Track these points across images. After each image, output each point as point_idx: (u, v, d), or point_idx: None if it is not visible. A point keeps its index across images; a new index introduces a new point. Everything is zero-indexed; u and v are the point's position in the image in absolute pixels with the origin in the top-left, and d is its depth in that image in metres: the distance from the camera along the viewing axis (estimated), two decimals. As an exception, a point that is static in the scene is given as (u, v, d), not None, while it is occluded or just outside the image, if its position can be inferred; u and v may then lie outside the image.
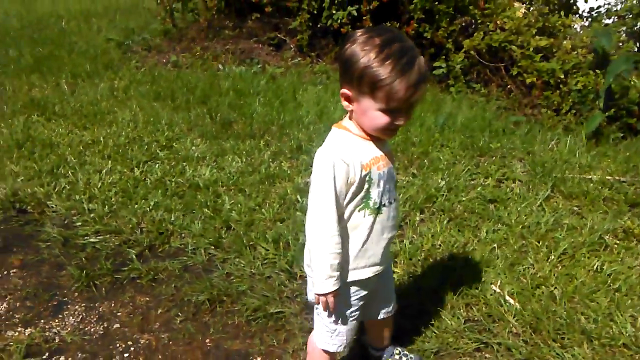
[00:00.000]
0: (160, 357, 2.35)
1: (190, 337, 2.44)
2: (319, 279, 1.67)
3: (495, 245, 2.89)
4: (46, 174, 3.69)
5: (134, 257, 2.91)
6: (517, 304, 2.48)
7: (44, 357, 2.33)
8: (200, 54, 6.19)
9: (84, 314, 2.58)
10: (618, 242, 2.94)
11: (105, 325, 2.52)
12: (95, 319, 2.55)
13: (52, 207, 3.38)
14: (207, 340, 2.43)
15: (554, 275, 2.67)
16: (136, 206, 3.32)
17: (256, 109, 4.70)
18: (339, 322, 1.83)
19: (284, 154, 3.94)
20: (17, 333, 2.45)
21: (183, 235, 3.09)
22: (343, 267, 1.70)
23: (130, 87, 5.32)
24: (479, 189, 3.42)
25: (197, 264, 2.89)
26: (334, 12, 5.84)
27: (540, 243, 2.91)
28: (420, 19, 5.41)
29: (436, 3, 5.31)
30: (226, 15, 6.54)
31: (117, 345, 2.41)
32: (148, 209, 3.29)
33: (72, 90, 5.30)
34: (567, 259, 2.80)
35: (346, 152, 1.61)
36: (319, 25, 6.07)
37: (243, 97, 4.96)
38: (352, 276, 1.75)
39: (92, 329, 2.49)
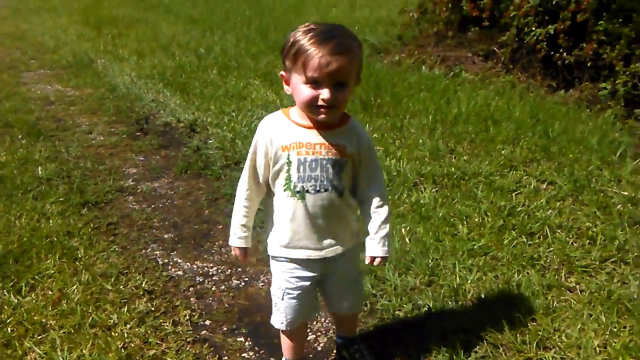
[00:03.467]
0: (165, 200, 3.63)
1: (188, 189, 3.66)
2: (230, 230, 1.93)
3: (445, 210, 3.34)
4: (222, 112, 5.28)
5: (218, 164, 4.22)
6: (408, 244, 3.00)
7: (124, 194, 3.82)
8: (417, 57, 7.16)
9: (165, 182, 4.02)
10: (570, 239, 3.05)
11: (165, 186, 3.91)
12: (165, 184, 3.97)
13: (208, 130, 4.93)
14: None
15: (469, 238, 3.05)
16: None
17: (387, 95, 5.55)
18: (277, 295, 1.95)
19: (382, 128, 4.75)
20: (123, 182, 4.00)
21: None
22: (273, 241, 1.88)
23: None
24: (497, 177, 3.75)
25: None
26: (533, 29, 6.15)
27: (491, 220, 3.23)
28: (601, 40, 5.38)
29: (617, 25, 5.23)
30: (452, 26, 7.34)
31: (160, 194, 3.78)
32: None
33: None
34: (496, 234, 3.09)
35: (270, 130, 1.77)
36: (525, 41, 6.42)
37: (405, 89, 5.80)
38: (281, 252, 1.86)
39: (158, 189, 3.91)
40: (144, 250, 3.10)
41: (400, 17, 8.23)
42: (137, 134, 4.98)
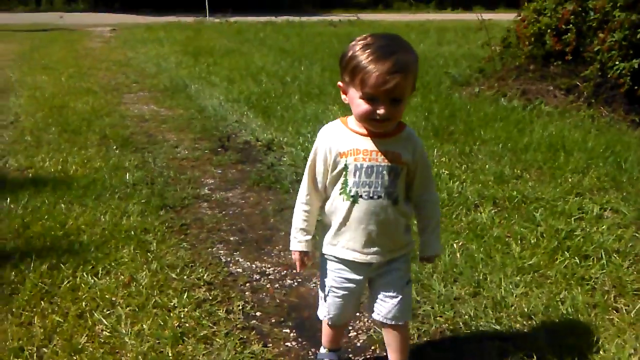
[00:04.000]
0: (235, 208, 3.89)
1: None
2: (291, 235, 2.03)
3: (500, 230, 3.39)
4: (299, 133, 5.56)
5: (288, 179, 4.47)
6: (458, 258, 3.09)
7: (199, 200, 4.13)
8: (497, 89, 7.19)
9: (237, 193, 4.30)
10: (625, 263, 3.03)
11: (237, 196, 4.19)
12: (237, 194, 4.24)
13: (284, 149, 5.22)
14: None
15: (521, 256, 3.09)
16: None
17: (461, 124, 5.62)
18: (323, 289, 2.05)
19: (450, 153, 4.85)
20: (200, 191, 4.32)
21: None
22: (325, 240, 1.97)
23: (416, 99, 6.81)
24: (559, 202, 3.75)
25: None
26: (617, 62, 6.07)
27: (546, 242, 3.25)
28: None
29: None
30: (534, 59, 7.32)
31: (231, 203, 4.05)
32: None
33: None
34: (549, 254, 3.11)
35: (329, 138, 1.87)
36: (608, 76, 6.33)
37: (479, 119, 5.86)
38: (331, 251, 1.96)
39: (230, 198, 4.18)
40: (210, 249, 3.35)
41: (482, 50, 8.29)
42: (219, 149, 5.33)
